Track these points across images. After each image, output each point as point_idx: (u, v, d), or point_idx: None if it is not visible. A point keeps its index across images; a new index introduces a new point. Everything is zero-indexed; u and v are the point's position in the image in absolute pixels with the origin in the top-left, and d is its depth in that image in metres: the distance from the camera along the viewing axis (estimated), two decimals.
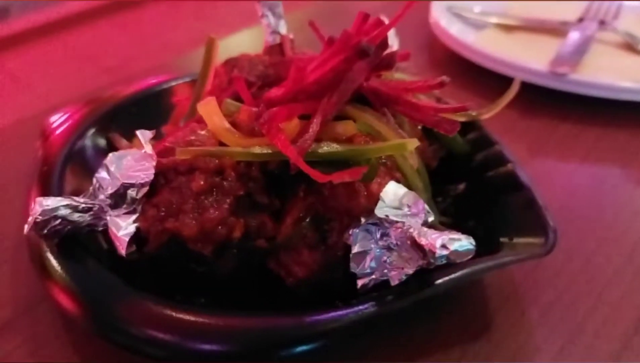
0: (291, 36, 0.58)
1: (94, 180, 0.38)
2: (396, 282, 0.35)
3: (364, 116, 0.43)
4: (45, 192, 0.44)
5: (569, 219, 0.53)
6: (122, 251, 0.36)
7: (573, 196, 0.57)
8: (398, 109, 0.44)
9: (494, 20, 0.86)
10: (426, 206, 0.37)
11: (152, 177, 0.36)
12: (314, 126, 0.38)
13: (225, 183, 0.37)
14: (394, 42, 0.63)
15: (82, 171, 0.48)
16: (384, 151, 0.37)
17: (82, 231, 0.38)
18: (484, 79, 0.75)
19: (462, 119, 0.52)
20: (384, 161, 0.39)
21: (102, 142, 0.53)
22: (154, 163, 0.37)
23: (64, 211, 0.37)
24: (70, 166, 0.47)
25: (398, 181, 0.40)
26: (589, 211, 0.55)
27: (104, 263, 0.38)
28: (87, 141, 0.51)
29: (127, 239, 0.36)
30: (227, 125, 0.41)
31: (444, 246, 0.32)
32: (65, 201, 0.37)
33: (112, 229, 0.36)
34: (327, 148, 0.37)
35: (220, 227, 0.36)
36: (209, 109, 0.42)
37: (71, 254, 0.38)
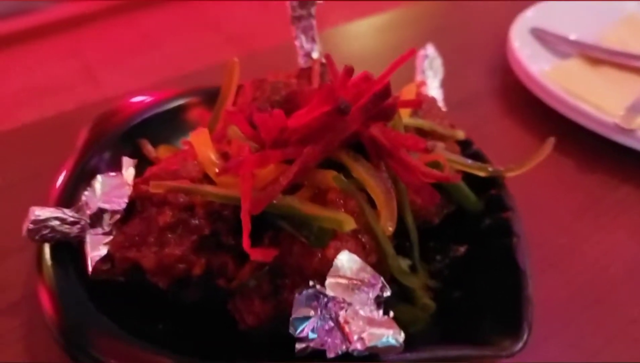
0: (324, 60, 0.57)
1: (83, 197, 0.41)
2: (332, 355, 0.34)
3: (354, 166, 0.42)
4: (63, 193, 0.47)
5: (585, 306, 0.47)
6: (89, 270, 0.38)
7: (602, 275, 0.50)
8: (391, 163, 0.41)
9: (580, 49, 0.77)
10: (382, 281, 0.35)
11: (124, 206, 0.39)
12: (284, 178, 0.37)
13: (192, 220, 0.38)
14: (437, 73, 0.59)
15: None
16: (319, 221, 0.36)
17: (72, 240, 0.42)
18: (550, 118, 0.68)
19: (483, 174, 0.48)
20: None
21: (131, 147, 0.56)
22: (129, 193, 0.39)
23: (53, 223, 0.40)
24: (90, 170, 0.50)
25: (364, 246, 0.38)
26: (615, 298, 0.48)
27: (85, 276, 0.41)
28: (116, 145, 0.55)
29: (94, 259, 0.38)
30: (214, 158, 0.42)
31: (361, 339, 0.30)
32: (56, 214, 0.41)
33: (87, 247, 0.39)
34: (286, 204, 0.36)
35: (179, 264, 0.38)
36: (200, 140, 0.43)
37: (62, 262, 0.41)
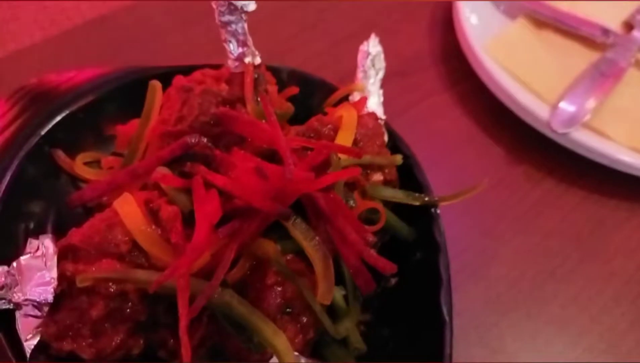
0: (258, 61, 0.51)
1: (4, 276, 0.38)
2: None
3: (292, 229, 0.41)
4: None
5: (503, 312, 0.53)
6: (26, 358, 0.38)
7: (519, 283, 0.55)
8: (329, 230, 0.41)
9: (526, 9, 0.73)
10: None
11: (51, 300, 0.37)
12: (221, 269, 0.36)
13: (126, 307, 0.38)
14: (380, 70, 0.56)
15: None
16: (259, 336, 0.36)
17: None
18: (487, 95, 0.67)
19: (417, 203, 0.49)
20: (289, 310, 0.39)
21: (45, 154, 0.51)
22: (53, 287, 0.37)
23: None
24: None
25: (302, 328, 0.40)
26: (529, 304, 0.54)
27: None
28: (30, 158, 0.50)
29: (30, 347, 0.38)
30: (144, 226, 0.40)
31: None
32: None
33: (19, 329, 0.38)
34: (225, 302, 0.36)
35: (118, 350, 0.38)
36: (127, 208, 0.40)
37: None
